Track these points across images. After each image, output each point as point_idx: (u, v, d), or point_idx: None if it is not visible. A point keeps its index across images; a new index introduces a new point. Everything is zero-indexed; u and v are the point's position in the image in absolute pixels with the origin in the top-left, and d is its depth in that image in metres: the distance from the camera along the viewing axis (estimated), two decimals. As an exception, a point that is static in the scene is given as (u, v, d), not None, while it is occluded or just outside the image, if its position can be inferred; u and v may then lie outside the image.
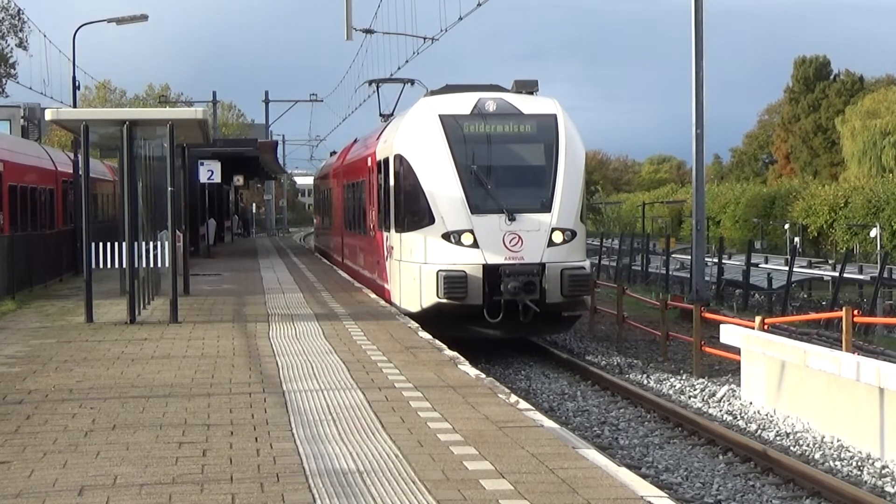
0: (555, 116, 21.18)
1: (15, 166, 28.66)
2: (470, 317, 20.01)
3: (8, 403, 11.10)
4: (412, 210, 20.97)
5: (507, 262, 19.88)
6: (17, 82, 58.97)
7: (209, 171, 33.86)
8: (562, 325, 21.71)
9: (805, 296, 38.36)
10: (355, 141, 33.41)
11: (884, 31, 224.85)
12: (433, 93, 22.64)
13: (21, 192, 29.10)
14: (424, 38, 35.53)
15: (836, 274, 35.72)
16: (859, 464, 13.09)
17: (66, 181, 34.10)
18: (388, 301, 22.16)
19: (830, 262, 45.17)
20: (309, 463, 8.45)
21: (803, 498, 11.84)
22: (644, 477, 10.77)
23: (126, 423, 10.02)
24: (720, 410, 16.60)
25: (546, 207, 20.30)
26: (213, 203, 49.44)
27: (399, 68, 36.39)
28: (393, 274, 22.11)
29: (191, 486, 7.82)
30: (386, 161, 22.61)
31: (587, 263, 21.09)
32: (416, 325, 18.07)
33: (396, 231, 21.74)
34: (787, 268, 36.86)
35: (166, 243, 18.62)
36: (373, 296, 23.36)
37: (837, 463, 13.22)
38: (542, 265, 19.95)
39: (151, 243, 18.90)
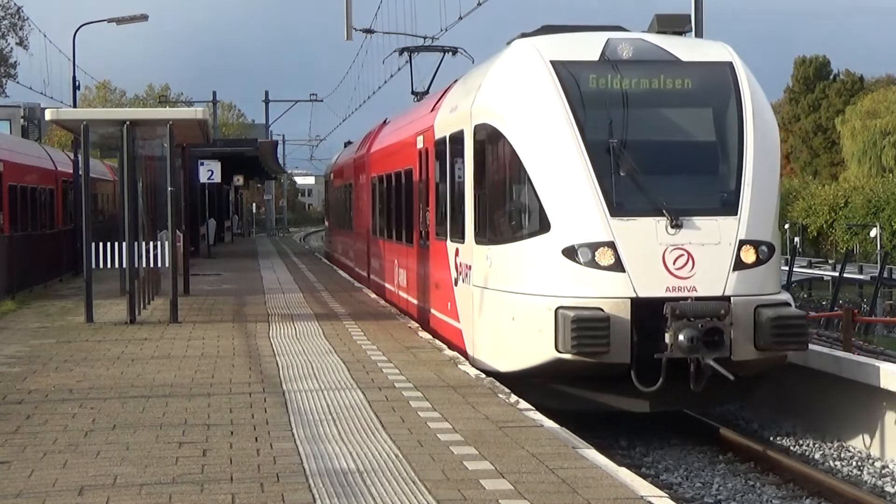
0: (730, 65, 14.09)
1: (15, 166, 28.71)
2: (606, 381, 12.96)
3: (8, 403, 11.10)
4: (508, 210, 14.14)
5: (670, 294, 12.62)
6: (17, 82, 59.25)
7: (209, 171, 33.87)
8: (740, 393, 13.85)
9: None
10: (385, 122, 26.54)
11: (884, 31, 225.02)
12: (525, 35, 14.97)
13: (21, 191, 29.16)
14: (424, 38, 35.46)
15: (836, 274, 35.75)
16: (859, 464, 13.10)
17: (66, 181, 34.15)
18: (461, 350, 14.96)
19: (830, 262, 45.20)
20: (309, 463, 8.45)
21: (803, 498, 11.83)
22: (644, 477, 10.74)
23: (126, 423, 10.02)
24: (720, 410, 16.56)
25: (730, 208, 13.13)
26: (213, 203, 49.49)
27: (399, 69, 36.01)
28: (470, 308, 14.85)
29: (191, 486, 7.82)
30: (456, 138, 15.72)
31: (790, 297, 13.87)
32: (417, 325, 17.89)
33: (478, 242, 14.62)
34: (787, 268, 36.87)
35: (166, 243, 18.62)
36: (373, 295, 23.21)
37: (837, 463, 13.22)
38: (727, 300, 12.70)
39: (151, 243, 18.89)
